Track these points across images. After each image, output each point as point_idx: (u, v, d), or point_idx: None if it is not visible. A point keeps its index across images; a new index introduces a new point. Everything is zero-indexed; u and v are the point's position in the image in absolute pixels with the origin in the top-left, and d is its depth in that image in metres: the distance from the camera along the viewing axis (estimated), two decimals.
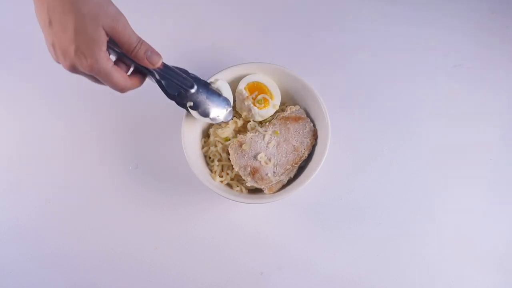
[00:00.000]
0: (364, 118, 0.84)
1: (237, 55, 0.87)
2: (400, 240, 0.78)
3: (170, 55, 0.87)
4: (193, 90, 0.67)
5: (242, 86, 0.75)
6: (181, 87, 0.66)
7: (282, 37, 0.89)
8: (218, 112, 0.70)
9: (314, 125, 0.76)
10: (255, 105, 0.75)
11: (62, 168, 0.81)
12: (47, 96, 0.85)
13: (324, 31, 0.90)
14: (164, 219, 0.79)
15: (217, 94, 0.70)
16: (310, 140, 0.74)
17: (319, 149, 0.73)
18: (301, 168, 0.75)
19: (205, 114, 0.69)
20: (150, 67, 0.60)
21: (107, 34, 0.53)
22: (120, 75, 0.56)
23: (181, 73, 0.66)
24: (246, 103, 0.75)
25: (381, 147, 0.83)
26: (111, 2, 0.54)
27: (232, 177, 0.75)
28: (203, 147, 0.77)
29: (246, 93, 0.75)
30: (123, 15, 0.54)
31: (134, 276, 0.76)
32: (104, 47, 0.53)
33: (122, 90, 0.58)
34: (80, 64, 0.52)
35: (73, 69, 0.53)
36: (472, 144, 0.83)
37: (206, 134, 0.78)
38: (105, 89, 0.84)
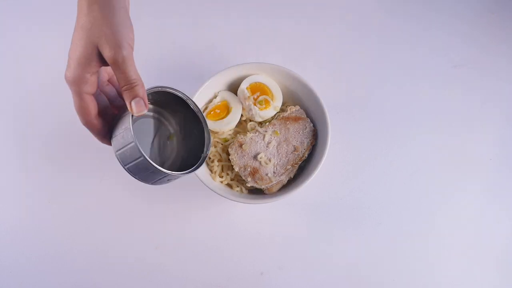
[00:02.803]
0: (364, 118, 0.84)
1: (237, 55, 0.87)
2: (400, 240, 0.78)
3: (170, 55, 0.88)
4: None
5: (244, 85, 0.75)
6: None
7: (282, 37, 0.89)
8: None
9: (314, 125, 0.76)
10: (256, 106, 0.75)
11: (62, 168, 0.81)
12: (47, 96, 0.85)
13: (324, 31, 0.90)
14: (165, 219, 0.79)
15: None
16: (310, 140, 0.74)
17: (319, 149, 0.73)
18: (301, 168, 0.75)
19: None
20: (129, 110, 0.51)
21: (103, 61, 0.49)
22: (89, 104, 0.50)
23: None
24: (247, 103, 0.75)
25: (381, 147, 0.83)
26: (126, 26, 0.50)
27: (232, 177, 0.75)
28: None
29: (248, 93, 0.75)
30: (130, 47, 0.49)
31: (135, 275, 0.76)
32: (86, 68, 0.48)
33: (81, 118, 0.51)
34: (66, 72, 0.49)
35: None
36: (472, 144, 0.83)
37: None
38: None
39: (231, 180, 0.75)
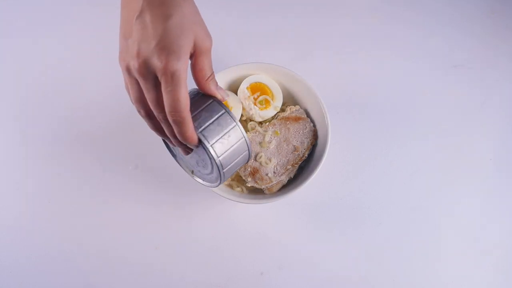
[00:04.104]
0: (364, 118, 0.84)
1: (237, 55, 0.87)
2: (400, 241, 0.78)
3: None
4: None
5: (244, 85, 0.75)
6: None
7: (282, 37, 0.89)
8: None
9: (314, 125, 0.76)
10: (256, 105, 0.75)
11: (62, 168, 0.81)
12: (47, 96, 0.85)
13: (325, 31, 0.90)
14: (165, 219, 0.79)
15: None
16: (310, 140, 0.74)
17: (319, 149, 0.73)
18: (301, 168, 0.75)
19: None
20: (218, 97, 0.51)
21: (193, 50, 0.48)
22: (187, 91, 0.46)
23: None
24: (247, 103, 0.75)
25: (381, 147, 0.83)
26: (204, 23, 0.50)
27: (232, 177, 0.75)
28: None
29: (248, 93, 0.75)
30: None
31: (135, 275, 0.76)
32: (188, 56, 0.46)
33: (180, 111, 0.46)
34: (155, 59, 0.44)
35: (128, 69, 0.47)
36: (472, 144, 0.83)
37: None
38: (105, 89, 0.84)
39: (231, 180, 0.75)
